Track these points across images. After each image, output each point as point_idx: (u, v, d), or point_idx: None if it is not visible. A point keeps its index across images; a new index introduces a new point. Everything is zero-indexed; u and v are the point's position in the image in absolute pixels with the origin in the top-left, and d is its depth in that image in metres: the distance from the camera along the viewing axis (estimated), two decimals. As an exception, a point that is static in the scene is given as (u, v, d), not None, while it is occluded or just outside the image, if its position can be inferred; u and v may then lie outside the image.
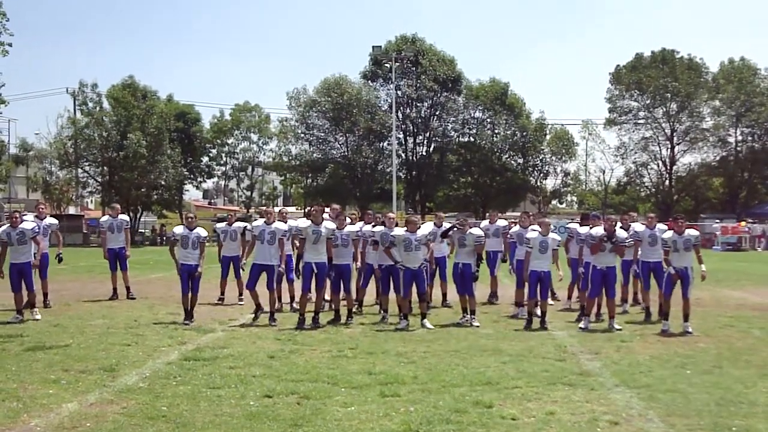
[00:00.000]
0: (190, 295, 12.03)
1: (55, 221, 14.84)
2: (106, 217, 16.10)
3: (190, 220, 12.58)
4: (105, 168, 53.66)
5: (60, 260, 14.59)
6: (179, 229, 12.47)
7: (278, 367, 8.37)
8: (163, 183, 54.28)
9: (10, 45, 36.66)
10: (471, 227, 12.39)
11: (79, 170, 55.39)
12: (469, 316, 11.99)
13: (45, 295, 13.96)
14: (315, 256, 11.68)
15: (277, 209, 12.91)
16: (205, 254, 12.32)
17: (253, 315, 12.00)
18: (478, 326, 11.67)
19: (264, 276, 11.88)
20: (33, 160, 60.39)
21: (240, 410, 6.55)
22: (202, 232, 12.37)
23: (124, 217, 16.17)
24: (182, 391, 7.22)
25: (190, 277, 12.03)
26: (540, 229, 12.04)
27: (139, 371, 8.15)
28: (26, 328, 11.19)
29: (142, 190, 53.59)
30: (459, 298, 12.30)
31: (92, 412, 6.47)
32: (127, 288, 15.39)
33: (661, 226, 13.32)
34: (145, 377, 7.86)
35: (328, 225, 11.90)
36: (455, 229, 12.38)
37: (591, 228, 12.05)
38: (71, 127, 53.31)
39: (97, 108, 53.62)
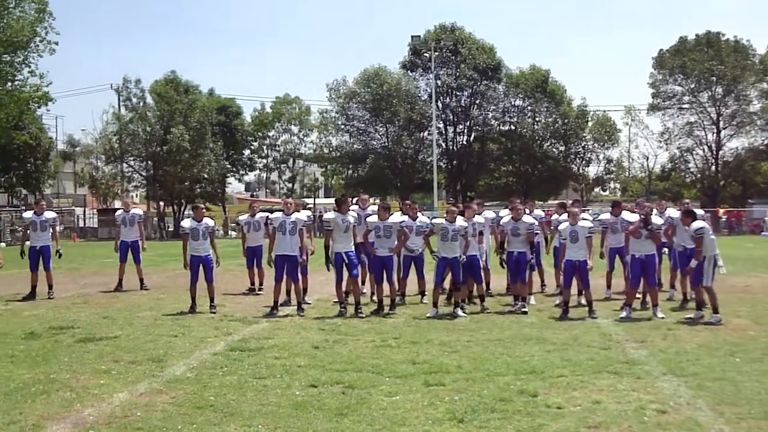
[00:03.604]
0: (207, 286, 12.31)
1: (53, 215, 15.26)
2: (120, 212, 16.52)
3: (199, 211, 12.84)
4: (149, 162, 54.48)
5: (60, 255, 15.04)
6: (187, 222, 12.69)
7: (323, 357, 8.43)
8: (205, 176, 54.98)
9: (56, 44, 37.38)
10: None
11: (124, 165, 56.31)
12: (520, 302, 12.10)
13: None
14: (345, 246, 11.84)
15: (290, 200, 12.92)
16: (215, 243, 12.66)
17: (270, 308, 11.98)
18: (526, 312, 11.79)
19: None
20: (80, 156, 61.48)
21: (286, 400, 6.61)
22: (210, 221, 12.64)
23: (137, 211, 16.60)
24: (229, 381, 7.32)
25: (203, 268, 12.33)
26: (570, 220, 11.97)
27: (186, 362, 8.28)
28: (77, 320, 11.43)
29: (186, 183, 54.31)
30: (511, 286, 12.43)
31: (142, 402, 6.59)
32: (141, 280, 15.81)
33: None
34: (193, 368, 7.97)
35: (354, 214, 12.14)
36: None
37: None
38: (116, 122, 54.23)
39: (141, 103, 54.46)
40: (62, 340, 9.75)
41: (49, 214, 14.87)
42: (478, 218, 12.59)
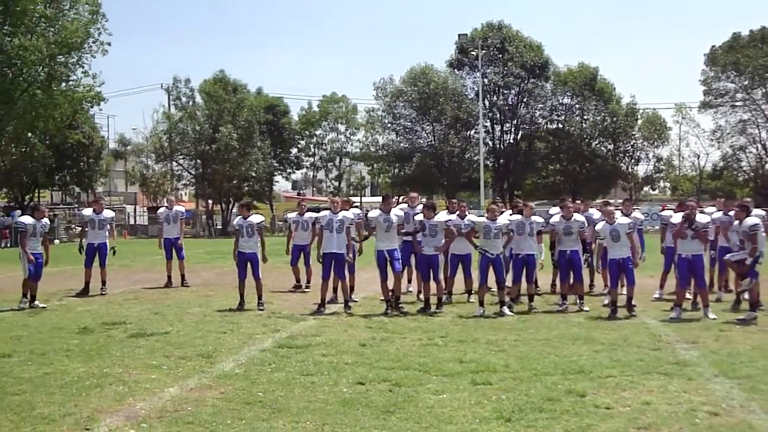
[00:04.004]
0: (255, 283, 12.43)
1: (111, 214, 15.63)
2: (162, 209, 16.90)
3: (243, 209, 12.96)
4: (198, 161, 55.21)
5: (114, 253, 15.33)
6: (236, 220, 12.88)
7: (370, 355, 8.47)
8: (253, 175, 55.54)
9: (109, 44, 38.02)
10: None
11: (174, 163, 57.20)
12: (578, 301, 12.14)
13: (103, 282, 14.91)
14: (388, 244, 11.93)
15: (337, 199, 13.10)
16: (264, 239, 12.76)
17: (318, 306, 12.02)
18: (587, 310, 11.83)
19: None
20: (130, 155, 62.57)
21: (333, 397, 6.66)
22: (255, 219, 12.74)
23: (180, 208, 16.82)
24: (277, 378, 7.40)
25: (250, 265, 12.45)
26: (606, 218, 11.85)
27: (235, 358, 8.38)
28: (129, 315, 11.66)
29: (234, 182, 54.93)
30: (560, 285, 12.53)
31: (192, 397, 6.70)
32: (182, 276, 16.11)
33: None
34: (241, 364, 8.07)
35: (397, 212, 12.19)
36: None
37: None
38: (166, 121, 55.10)
39: (190, 102, 55.27)
40: (115, 335, 9.96)
41: (107, 213, 15.25)
42: (535, 217, 12.45)
